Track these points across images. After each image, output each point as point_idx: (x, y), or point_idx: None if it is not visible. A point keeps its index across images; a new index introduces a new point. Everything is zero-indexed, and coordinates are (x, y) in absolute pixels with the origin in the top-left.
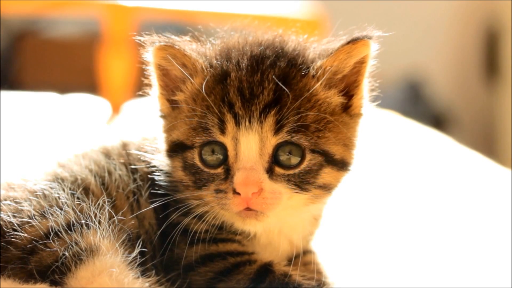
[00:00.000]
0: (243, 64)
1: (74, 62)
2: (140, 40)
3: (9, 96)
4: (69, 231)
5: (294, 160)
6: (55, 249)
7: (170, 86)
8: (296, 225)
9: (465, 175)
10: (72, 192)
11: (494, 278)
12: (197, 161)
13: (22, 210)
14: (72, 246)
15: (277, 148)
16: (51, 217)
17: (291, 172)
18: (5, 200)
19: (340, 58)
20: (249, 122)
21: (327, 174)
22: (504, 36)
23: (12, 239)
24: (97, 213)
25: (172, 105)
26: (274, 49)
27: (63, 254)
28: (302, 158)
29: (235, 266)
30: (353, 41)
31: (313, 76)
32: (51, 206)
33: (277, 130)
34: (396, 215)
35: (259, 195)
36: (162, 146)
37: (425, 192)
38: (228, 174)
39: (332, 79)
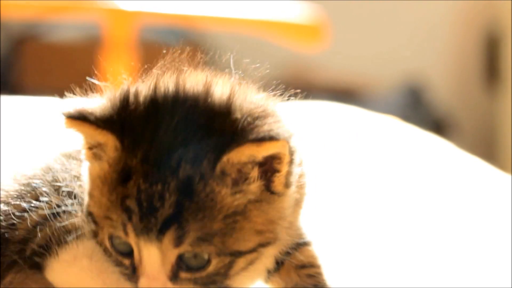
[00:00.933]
0: (146, 166)
1: (75, 67)
2: (57, 107)
3: (10, 101)
4: (53, 218)
5: (199, 264)
6: (41, 235)
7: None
8: None
9: (465, 181)
10: (54, 184)
11: (494, 283)
12: (107, 244)
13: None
14: (57, 230)
15: (181, 255)
16: (35, 211)
17: (197, 275)
18: None
19: (246, 154)
20: (148, 236)
21: (240, 264)
22: (505, 41)
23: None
24: (79, 199)
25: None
26: (188, 130)
27: (49, 238)
28: (207, 263)
29: None
30: (258, 142)
31: (222, 173)
32: (36, 199)
33: (178, 243)
34: (396, 220)
35: None
36: (84, 194)
37: (426, 197)
38: (134, 271)
39: (244, 169)
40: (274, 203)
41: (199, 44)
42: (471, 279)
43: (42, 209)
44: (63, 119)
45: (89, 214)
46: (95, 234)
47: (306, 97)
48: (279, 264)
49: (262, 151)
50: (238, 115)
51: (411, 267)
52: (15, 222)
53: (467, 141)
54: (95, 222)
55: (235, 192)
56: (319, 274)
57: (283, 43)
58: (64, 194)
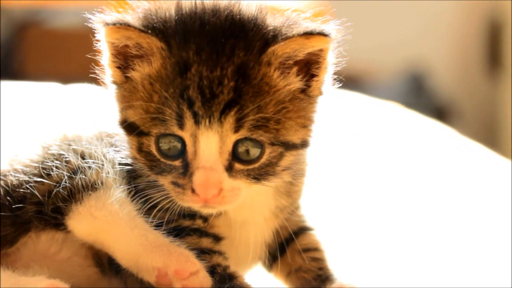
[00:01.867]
0: (204, 55)
1: (77, 53)
2: (90, 19)
3: (12, 86)
4: (79, 173)
5: (253, 155)
6: (68, 184)
7: (124, 55)
8: (257, 197)
9: (467, 167)
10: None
11: (494, 273)
12: (153, 149)
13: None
14: (86, 179)
15: (236, 143)
16: (63, 166)
17: (250, 167)
18: (8, 171)
19: (292, 47)
20: (209, 122)
21: (287, 159)
22: (507, 28)
23: (26, 194)
24: (105, 153)
25: (125, 75)
26: (233, 25)
27: (76, 185)
28: (262, 152)
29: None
30: (307, 35)
31: (267, 63)
32: (59, 160)
33: (237, 128)
34: (398, 207)
35: (219, 195)
36: (115, 116)
37: (428, 183)
38: (186, 169)
39: (285, 64)
40: (311, 105)
41: None
42: (471, 266)
43: (63, 168)
44: (103, 29)
45: (133, 128)
46: (139, 147)
47: None
48: (282, 251)
49: (309, 45)
50: (277, 18)
51: (410, 252)
52: (33, 184)
53: (468, 127)
54: (141, 132)
55: (284, 80)
56: (323, 259)
57: None
58: (84, 154)
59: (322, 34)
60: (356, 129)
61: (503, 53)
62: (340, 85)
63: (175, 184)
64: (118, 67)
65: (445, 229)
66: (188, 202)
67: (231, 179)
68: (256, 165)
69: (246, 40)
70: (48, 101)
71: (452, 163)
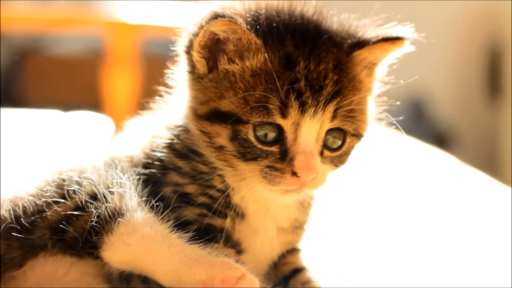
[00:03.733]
0: (305, 51)
1: (77, 80)
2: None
3: (13, 114)
4: (101, 198)
5: (338, 143)
6: (91, 212)
7: (210, 48)
8: (281, 206)
9: (467, 194)
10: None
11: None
12: (251, 137)
13: (47, 193)
14: (111, 207)
15: (326, 132)
16: (81, 190)
17: (334, 154)
18: (18, 196)
19: (375, 54)
20: (314, 111)
21: (355, 148)
22: (507, 55)
23: (41, 218)
24: (123, 178)
25: (209, 67)
26: (321, 27)
27: (100, 216)
28: (343, 141)
29: None
30: (393, 40)
31: (355, 63)
32: (79, 184)
33: (333, 118)
34: (398, 233)
35: (314, 178)
36: (192, 106)
37: (428, 210)
38: (285, 154)
39: (369, 65)
40: (369, 102)
41: None
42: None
43: (82, 192)
44: (209, 20)
45: (227, 116)
46: (234, 135)
47: None
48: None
49: (392, 49)
50: (344, 20)
51: (412, 274)
52: (52, 207)
53: (469, 154)
54: (238, 120)
55: (367, 78)
56: (311, 275)
57: None
58: (104, 181)
59: (403, 39)
60: (356, 156)
61: (503, 80)
62: None
63: (271, 168)
64: (203, 58)
65: (446, 255)
66: (284, 184)
67: (322, 164)
68: (338, 153)
69: (333, 40)
70: (49, 128)
71: (452, 190)
